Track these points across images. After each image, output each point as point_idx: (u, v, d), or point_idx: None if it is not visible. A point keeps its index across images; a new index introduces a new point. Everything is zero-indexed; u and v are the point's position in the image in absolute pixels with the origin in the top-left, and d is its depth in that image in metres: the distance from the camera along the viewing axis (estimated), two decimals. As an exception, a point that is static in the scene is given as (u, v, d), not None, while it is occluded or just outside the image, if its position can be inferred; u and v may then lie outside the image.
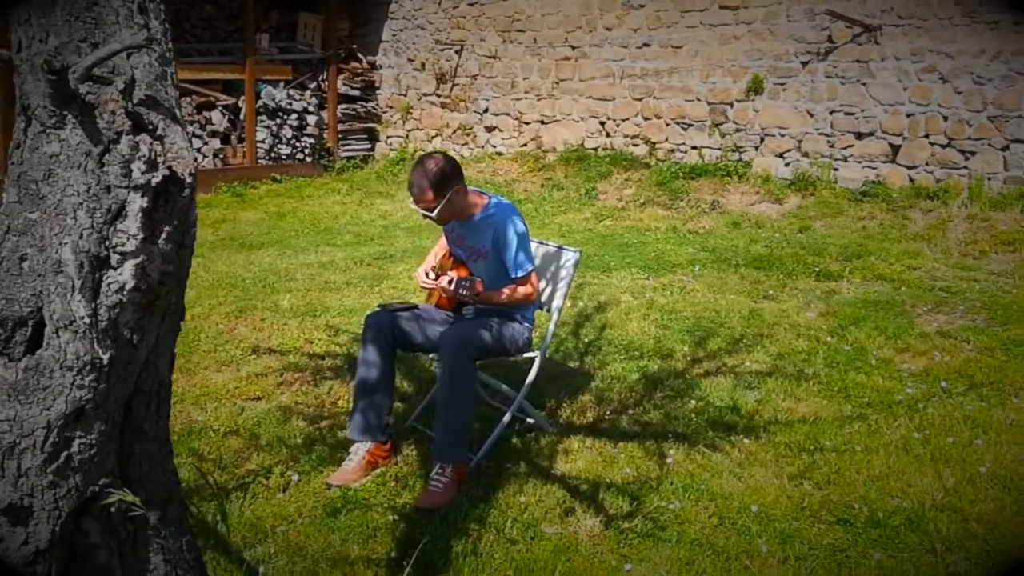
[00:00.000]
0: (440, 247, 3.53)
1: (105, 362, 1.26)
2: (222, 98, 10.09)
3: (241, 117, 10.13)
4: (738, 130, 8.42)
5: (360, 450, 3.11)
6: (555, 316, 3.46)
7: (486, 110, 10.34)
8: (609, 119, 9.32)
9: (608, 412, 3.69)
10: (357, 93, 11.13)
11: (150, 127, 1.26)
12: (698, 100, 8.65)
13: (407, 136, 11.10)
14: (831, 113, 7.85)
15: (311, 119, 10.66)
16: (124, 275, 1.23)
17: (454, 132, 10.63)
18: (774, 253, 6.49)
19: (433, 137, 10.84)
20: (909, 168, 7.47)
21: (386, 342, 3.17)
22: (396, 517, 2.80)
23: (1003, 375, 4.02)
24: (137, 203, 1.23)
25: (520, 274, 3.24)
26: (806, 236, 6.96)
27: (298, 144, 10.58)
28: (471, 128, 10.49)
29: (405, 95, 11.08)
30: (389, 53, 11.20)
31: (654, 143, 8.99)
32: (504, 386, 3.40)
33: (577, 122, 9.57)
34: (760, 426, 3.51)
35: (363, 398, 3.15)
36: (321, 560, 2.54)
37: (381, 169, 10.55)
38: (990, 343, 4.45)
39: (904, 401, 3.75)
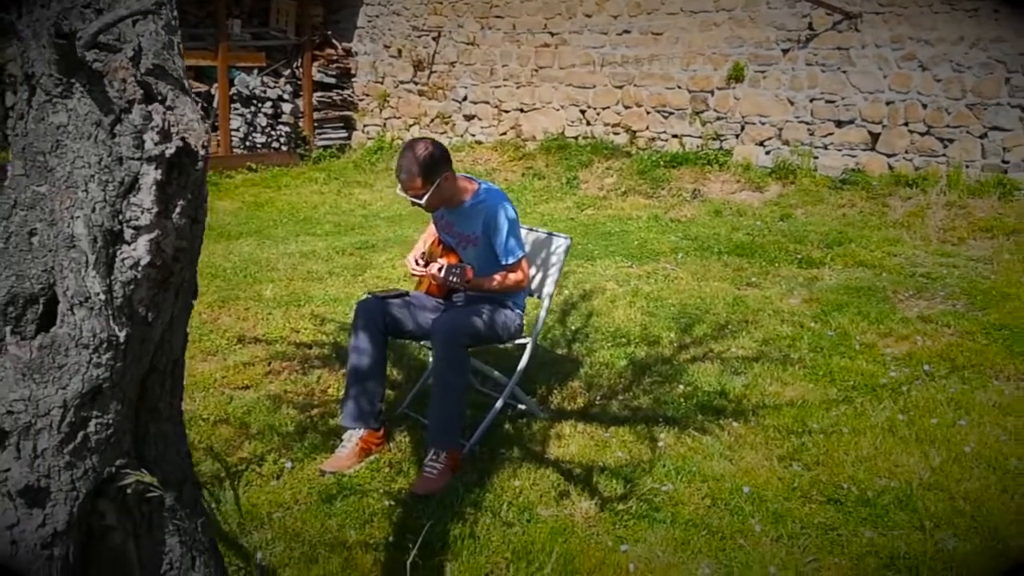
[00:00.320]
0: (429, 234, 3.51)
1: (122, 340, 1.23)
2: (195, 85, 9.91)
3: (214, 105, 9.97)
4: (719, 118, 8.45)
5: (353, 437, 3.10)
6: (546, 303, 3.45)
7: (465, 98, 10.27)
8: (589, 107, 9.31)
9: (598, 398, 3.70)
10: (333, 80, 10.98)
11: (160, 97, 1.23)
12: (679, 88, 8.67)
13: (384, 124, 10.99)
14: (811, 101, 7.90)
15: (286, 107, 10.50)
16: (139, 250, 1.19)
17: (432, 120, 10.55)
18: (756, 241, 6.53)
19: (411, 126, 10.76)
20: (888, 156, 7.55)
21: (377, 329, 3.15)
22: (392, 502, 2.79)
23: (984, 358, 4.09)
24: (151, 175, 1.19)
25: (511, 260, 3.22)
26: (787, 224, 7.02)
27: (273, 133, 10.43)
28: (449, 116, 10.41)
29: (382, 83, 10.97)
30: (365, 39, 11.06)
31: (635, 131, 8.99)
32: (496, 372, 3.40)
33: (557, 110, 9.55)
34: (748, 410, 3.54)
35: (355, 385, 3.13)
36: (319, 545, 2.52)
37: (359, 158, 10.45)
38: (970, 327, 4.52)
39: (888, 384, 3.81)
